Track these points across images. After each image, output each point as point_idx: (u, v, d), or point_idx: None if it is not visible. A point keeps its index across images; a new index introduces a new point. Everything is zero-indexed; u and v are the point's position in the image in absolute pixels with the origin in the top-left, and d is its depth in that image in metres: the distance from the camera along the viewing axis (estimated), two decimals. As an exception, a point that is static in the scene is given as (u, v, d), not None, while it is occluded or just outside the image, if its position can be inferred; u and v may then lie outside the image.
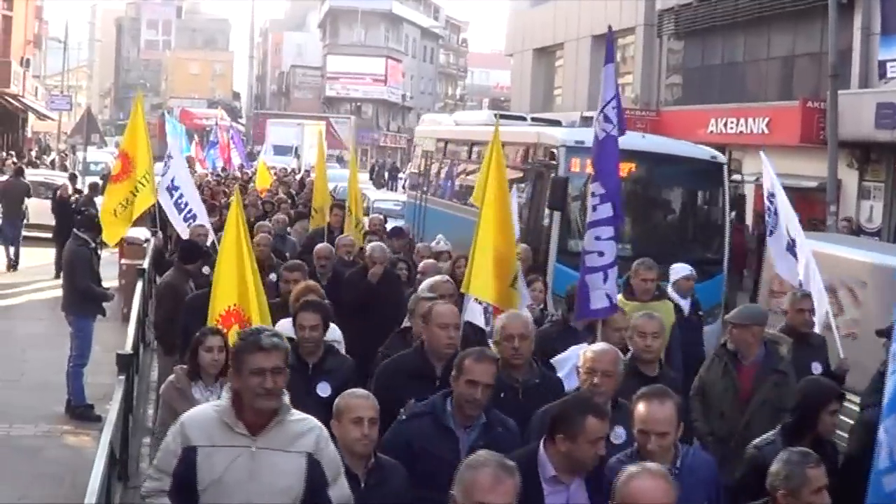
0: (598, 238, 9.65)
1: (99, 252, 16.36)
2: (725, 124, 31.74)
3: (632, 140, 15.57)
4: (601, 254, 9.65)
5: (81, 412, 13.85)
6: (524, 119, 24.55)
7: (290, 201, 24.03)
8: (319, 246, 13.80)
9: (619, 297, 10.55)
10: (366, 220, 18.46)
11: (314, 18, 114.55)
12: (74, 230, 15.04)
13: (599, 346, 7.80)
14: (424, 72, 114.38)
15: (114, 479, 8.95)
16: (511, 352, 7.84)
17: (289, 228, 19.03)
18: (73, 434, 13.33)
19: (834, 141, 24.60)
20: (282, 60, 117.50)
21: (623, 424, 6.88)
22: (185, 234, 16.21)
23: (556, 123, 23.53)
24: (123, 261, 21.06)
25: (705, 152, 18.55)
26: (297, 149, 61.80)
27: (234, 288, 8.99)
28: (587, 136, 13.51)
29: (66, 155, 48.15)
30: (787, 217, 12.74)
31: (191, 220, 16.72)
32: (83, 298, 14.37)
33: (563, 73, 46.61)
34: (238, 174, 37.45)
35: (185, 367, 8.43)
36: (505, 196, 10.34)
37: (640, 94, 38.47)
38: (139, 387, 13.48)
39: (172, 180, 17.40)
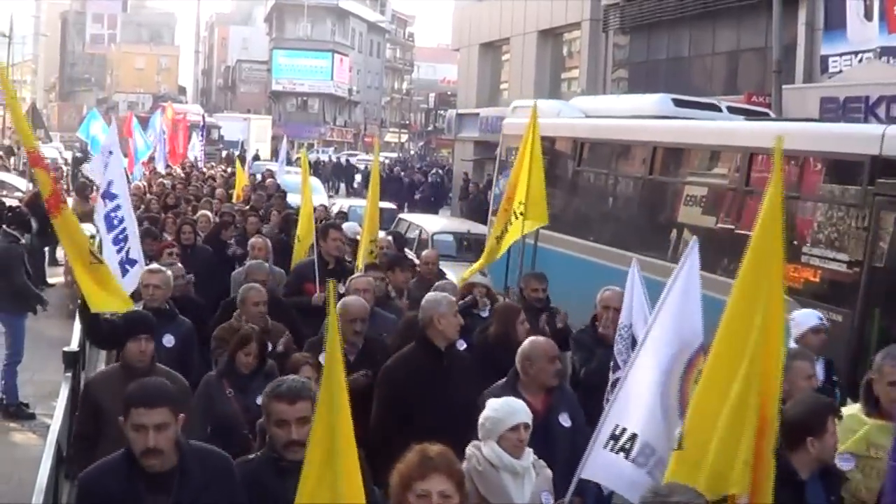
0: None
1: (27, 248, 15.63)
2: (671, 118, 31.57)
3: None
4: None
5: (14, 411, 13.74)
6: (718, 109, 17.35)
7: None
8: (352, 302, 8.96)
9: (854, 410, 7.02)
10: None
11: (260, 12, 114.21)
12: (4, 227, 14.90)
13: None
14: (371, 66, 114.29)
15: (61, 477, 8.90)
16: None
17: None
18: (20, 432, 13.25)
19: (779, 135, 24.68)
20: (228, 54, 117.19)
21: None
22: (129, 285, 10.99)
23: (763, 115, 18.13)
24: (70, 256, 20.68)
25: None
26: (243, 143, 61.59)
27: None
28: None
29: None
30: None
31: (128, 266, 11.53)
32: (14, 296, 14.16)
33: (510, 67, 46.66)
34: (188, 171, 34.66)
35: None
36: (780, 272, 5.22)
37: (587, 88, 38.58)
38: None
39: (110, 185, 12.14)
